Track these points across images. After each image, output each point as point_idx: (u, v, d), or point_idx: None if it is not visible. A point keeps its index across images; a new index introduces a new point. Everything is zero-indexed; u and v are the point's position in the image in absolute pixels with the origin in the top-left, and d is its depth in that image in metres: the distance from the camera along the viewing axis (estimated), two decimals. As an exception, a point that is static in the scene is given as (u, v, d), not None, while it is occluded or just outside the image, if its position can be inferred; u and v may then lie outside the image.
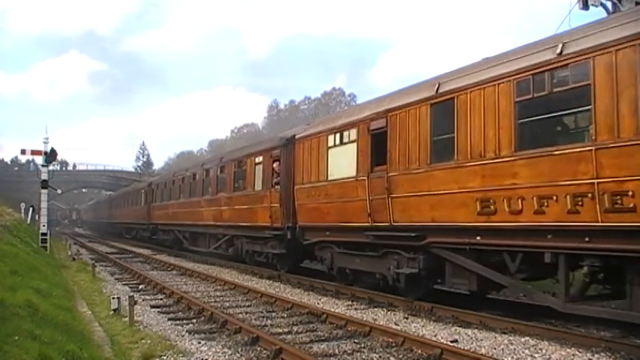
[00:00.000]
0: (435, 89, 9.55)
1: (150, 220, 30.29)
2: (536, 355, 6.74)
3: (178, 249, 25.33)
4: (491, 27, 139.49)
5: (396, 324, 8.85)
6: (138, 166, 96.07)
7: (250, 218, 16.55)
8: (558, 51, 7.44)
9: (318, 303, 10.95)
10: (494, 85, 8.35)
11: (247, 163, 17.35)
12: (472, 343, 7.38)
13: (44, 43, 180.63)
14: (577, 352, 6.79)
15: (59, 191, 39.01)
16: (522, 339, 7.51)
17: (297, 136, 14.37)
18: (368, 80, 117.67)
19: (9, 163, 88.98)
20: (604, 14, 12.27)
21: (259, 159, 16.44)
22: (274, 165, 15.22)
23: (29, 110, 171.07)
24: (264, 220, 15.44)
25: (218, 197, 19.66)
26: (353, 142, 11.63)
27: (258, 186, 16.28)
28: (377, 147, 10.89)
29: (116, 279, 15.62)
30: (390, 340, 7.45)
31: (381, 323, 8.73)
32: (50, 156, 22.41)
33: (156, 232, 29.86)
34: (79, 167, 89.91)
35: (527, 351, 6.92)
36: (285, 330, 8.30)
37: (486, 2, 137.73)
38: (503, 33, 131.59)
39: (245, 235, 17.58)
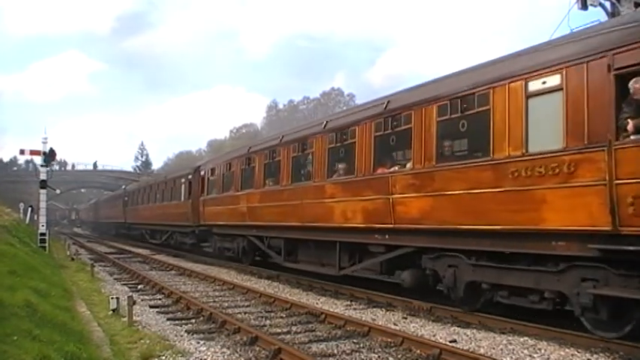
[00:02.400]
0: None
1: (198, 220, 21.09)
2: (535, 356, 6.74)
3: (250, 263, 17.52)
4: (491, 27, 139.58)
5: (394, 324, 8.85)
6: (137, 166, 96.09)
7: (509, 215, 7.70)
8: None
9: (316, 303, 10.94)
10: None
11: (489, 101, 8.19)
12: (471, 343, 7.38)
13: (43, 42, 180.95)
14: (576, 353, 6.79)
15: (58, 191, 38.90)
16: (521, 339, 7.52)
17: None
18: (367, 80, 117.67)
19: (7, 163, 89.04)
20: (603, 14, 12.29)
21: (549, 81, 7.34)
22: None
23: (28, 110, 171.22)
24: (581, 220, 6.80)
25: (379, 177, 10.41)
26: None
27: (548, 142, 7.28)
28: None
29: (115, 279, 15.60)
30: (389, 340, 7.45)
31: (380, 323, 8.73)
32: (49, 156, 22.36)
33: (207, 237, 21.35)
34: (78, 167, 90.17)
35: (525, 351, 6.92)
36: (284, 330, 8.30)
37: (486, 2, 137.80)
38: (502, 33, 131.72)
39: (474, 251, 8.64)
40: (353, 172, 11.29)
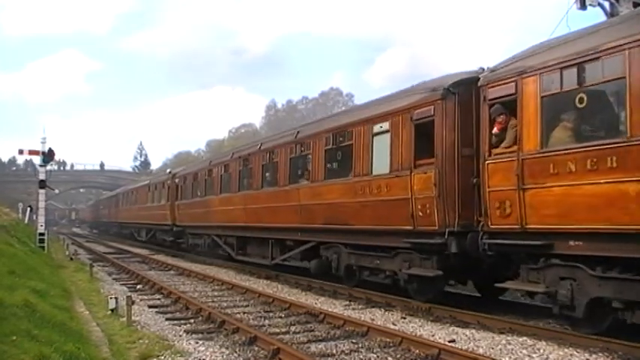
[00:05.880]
0: None
1: (485, 222, 8.14)
2: (533, 355, 6.74)
3: None
4: (490, 27, 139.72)
5: (393, 324, 8.85)
6: (136, 166, 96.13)
7: None
8: None
9: (315, 303, 10.94)
10: None
11: None
12: (470, 343, 7.38)
13: (41, 42, 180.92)
14: (575, 352, 6.79)
15: (57, 191, 38.86)
16: (520, 339, 7.51)
17: None
18: (366, 80, 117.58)
19: (6, 163, 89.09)
20: (602, 14, 12.29)
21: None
22: None
23: (26, 110, 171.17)
24: None
25: None
26: None
27: None
28: None
29: (114, 279, 15.59)
30: (388, 340, 7.45)
31: (379, 323, 8.73)
32: (48, 156, 22.34)
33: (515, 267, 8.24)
34: (77, 167, 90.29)
35: (524, 351, 6.92)
36: (283, 330, 8.29)
37: (485, 2, 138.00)
38: (501, 33, 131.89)
39: None
40: None
